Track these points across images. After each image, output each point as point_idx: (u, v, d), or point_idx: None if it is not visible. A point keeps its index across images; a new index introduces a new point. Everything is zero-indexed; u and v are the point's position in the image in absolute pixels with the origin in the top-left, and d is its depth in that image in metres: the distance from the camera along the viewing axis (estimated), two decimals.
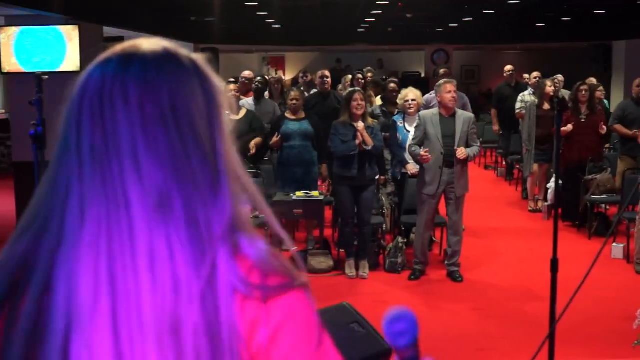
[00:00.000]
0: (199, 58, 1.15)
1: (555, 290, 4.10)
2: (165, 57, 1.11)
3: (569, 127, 8.73)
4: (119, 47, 1.13)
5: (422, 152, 6.75)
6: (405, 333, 1.25)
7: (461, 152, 6.75)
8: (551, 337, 4.13)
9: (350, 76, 11.28)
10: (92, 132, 1.06)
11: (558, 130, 4.75)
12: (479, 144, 7.22)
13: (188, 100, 1.09)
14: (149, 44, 1.13)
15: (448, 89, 6.91)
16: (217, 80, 1.15)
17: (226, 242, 1.06)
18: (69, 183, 1.06)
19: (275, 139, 7.82)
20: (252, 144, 7.93)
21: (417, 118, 7.17)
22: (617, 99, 12.35)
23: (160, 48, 1.13)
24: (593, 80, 10.50)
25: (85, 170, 1.05)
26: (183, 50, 1.14)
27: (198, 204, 1.05)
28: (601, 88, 10.46)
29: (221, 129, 1.12)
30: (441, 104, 6.99)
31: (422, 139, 6.90)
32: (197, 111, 1.09)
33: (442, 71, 9.08)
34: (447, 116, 6.93)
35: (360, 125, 6.99)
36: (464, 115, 7.01)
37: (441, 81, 7.16)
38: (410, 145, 7.07)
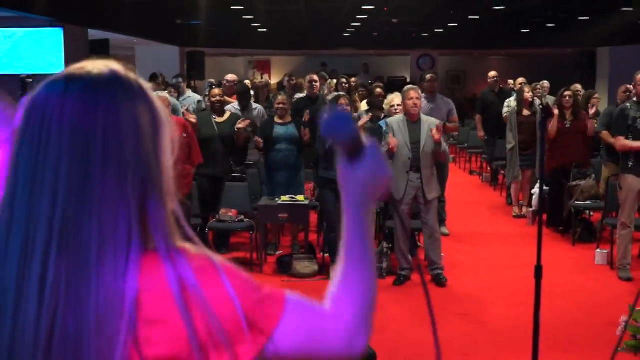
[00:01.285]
0: (145, 83, 1.17)
1: (539, 297, 4.10)
2: (109, 80, 1.13)
3: (553, 124, 8.75)
4: (68, 69, 1.15)
5: (389, 139, 6.78)
6: (342, 127, 1.28)
7: (435, 132, 6.82)
8: (535, 342, 4.14)
9: (334, 80, 11.30)
10: (28, 154, 1.09)
11: (542, 136, 4.76)
12: (446, 148, 7.31)
13: (127, 123, 1.10)
14: (96, 66, 1.14)
15: (410, 96, 7.00)
16: (162, 107, 1.17)
17: (132, 272, 1.07)
18: (6, 201, 1.10)
19: (258, 139, 7.84)
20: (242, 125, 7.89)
21: (384, 124, 7.23)
22: (601, 106, 12.39)
23: (107, 70, 1.14)
24: (578, 87, 10.55)
25: (18, 190, 1.09)
26: (130, 73, 1.16)
27: (103, 231, 1.07)
28: (597, 95, 10.50)
29: (161, 153, 1.15)
30: (405, 110, 7.05)
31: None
32: (135, 134, 1.11)
33: (429, 76, 9.08)
34: (413, 122, 6.99)
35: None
36: (429, 121, 7.07)
37: (405, 87, 7.28)
38: None
